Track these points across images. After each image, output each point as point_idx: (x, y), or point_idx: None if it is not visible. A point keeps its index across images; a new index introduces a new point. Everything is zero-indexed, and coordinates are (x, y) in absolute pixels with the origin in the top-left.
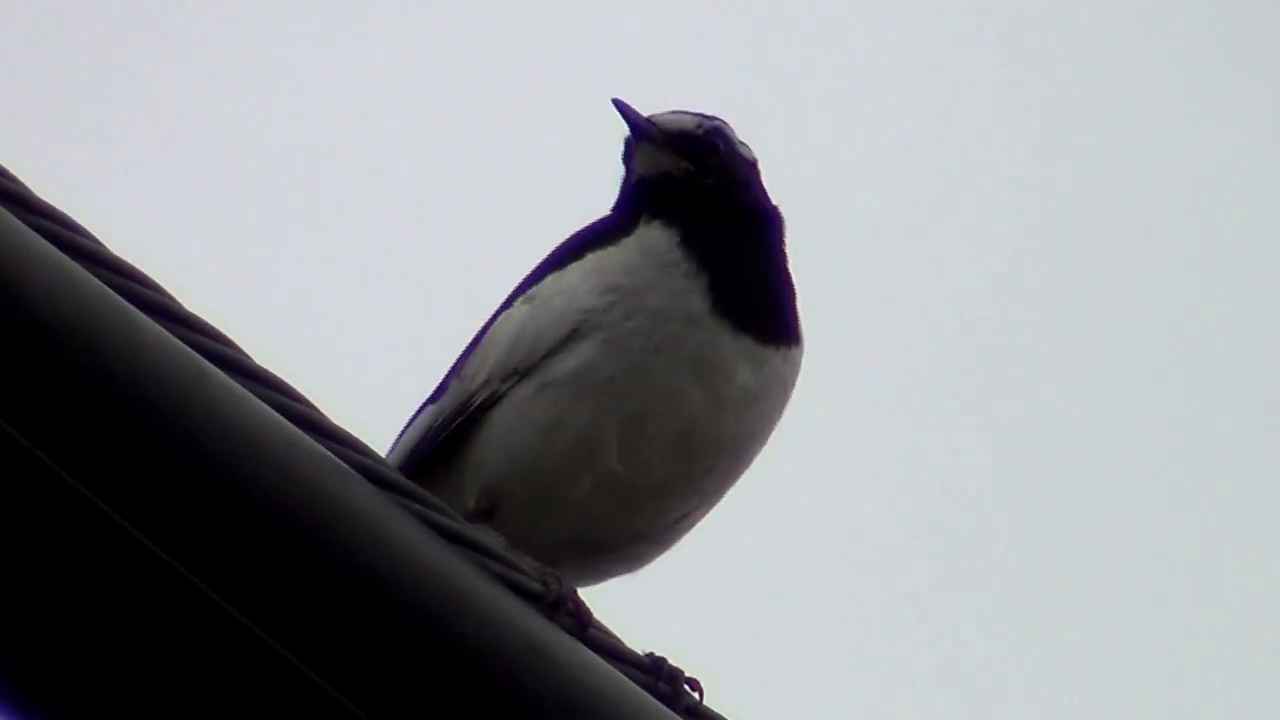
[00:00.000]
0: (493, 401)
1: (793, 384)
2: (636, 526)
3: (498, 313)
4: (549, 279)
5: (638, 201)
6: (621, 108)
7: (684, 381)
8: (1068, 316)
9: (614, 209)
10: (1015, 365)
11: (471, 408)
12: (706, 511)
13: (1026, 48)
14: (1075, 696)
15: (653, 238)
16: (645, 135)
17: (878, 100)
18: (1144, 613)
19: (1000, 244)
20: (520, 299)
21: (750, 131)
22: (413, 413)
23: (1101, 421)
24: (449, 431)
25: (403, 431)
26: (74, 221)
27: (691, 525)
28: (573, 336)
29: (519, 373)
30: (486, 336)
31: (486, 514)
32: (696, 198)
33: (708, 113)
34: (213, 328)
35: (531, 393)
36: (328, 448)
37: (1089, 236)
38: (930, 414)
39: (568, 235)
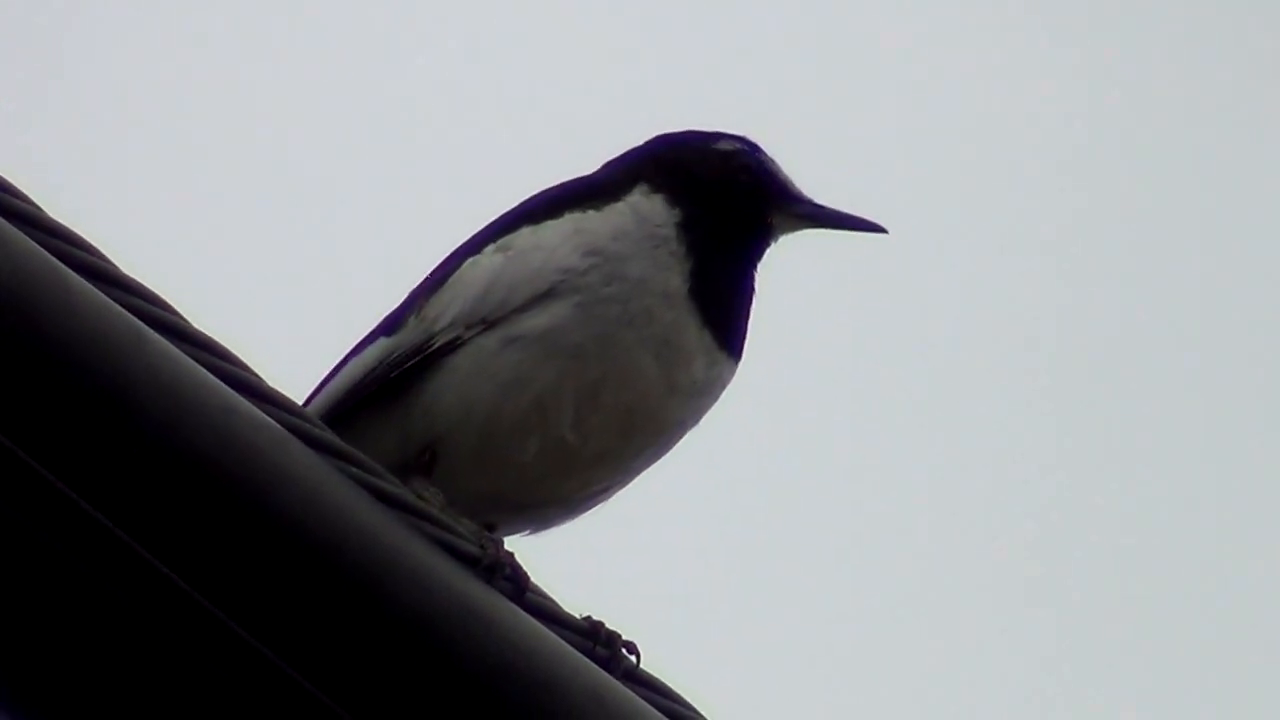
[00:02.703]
0: (453, 347)
1: (722, 392)
2: (562, 493)
3: (462, 253)
4: (525, 230)
5: (649, 171)
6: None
7: (646, 359)
8: (1051, 312)
9: (606, 167)
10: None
11: (430, 349)
12: (621, 488)
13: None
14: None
15: (650, 209)
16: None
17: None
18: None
19: (996, 242)
20: (492, 246)
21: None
22: (361, 339)
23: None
24: (401, 370)
25: (348, 356)
26: (8, 183)
27: (606, 499)
28: (547, 295)
29: (486, 322)
30: (454, 278)
31: (426, 467)
32: (713, 199)
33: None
34: (151, 291)
35: (496, 345)
36: (265, 411)
37: (1081, 237)
38: (883, 397)
39: (542, 188)
